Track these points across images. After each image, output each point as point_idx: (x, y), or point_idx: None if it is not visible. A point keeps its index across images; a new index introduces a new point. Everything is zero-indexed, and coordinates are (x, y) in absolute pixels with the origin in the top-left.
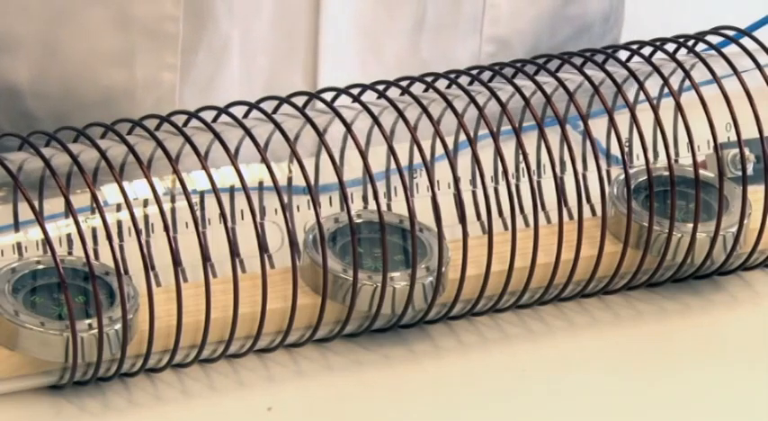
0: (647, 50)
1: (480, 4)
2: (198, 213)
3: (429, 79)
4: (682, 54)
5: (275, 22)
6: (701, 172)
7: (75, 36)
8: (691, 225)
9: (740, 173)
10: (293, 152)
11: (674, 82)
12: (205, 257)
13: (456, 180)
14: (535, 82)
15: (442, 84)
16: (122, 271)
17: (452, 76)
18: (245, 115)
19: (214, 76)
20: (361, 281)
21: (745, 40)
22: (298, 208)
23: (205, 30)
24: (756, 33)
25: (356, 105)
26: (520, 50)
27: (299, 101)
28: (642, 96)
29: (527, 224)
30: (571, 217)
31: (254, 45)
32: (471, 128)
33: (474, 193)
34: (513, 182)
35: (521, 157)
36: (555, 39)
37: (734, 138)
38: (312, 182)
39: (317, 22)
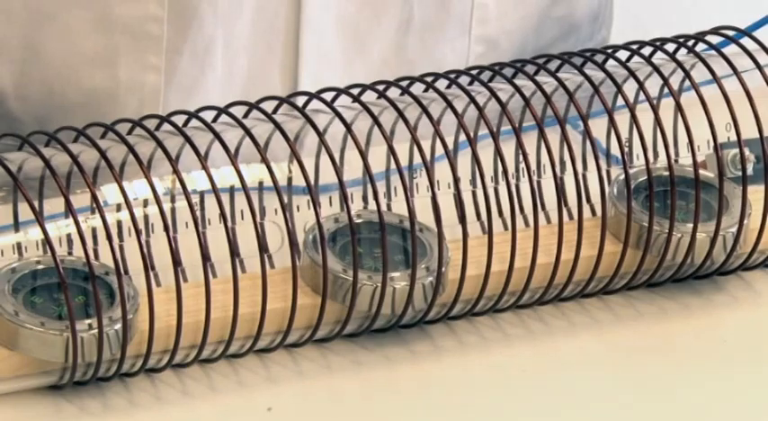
0: (647, 50)
1: (468, 5)
2: (198, 213)
3: (429, 79)
4: (682, 54)
5: (257, 22)
6: (701, 172)
7: (57, 38)
8: (691, 225)
9: (740, 173)
10: (293, 152)
11: (674, 82)
12: (205, 257)
13: (456, 180)
14: (535, 82)
15: (441, 84)
16: (122, 271)
17: (452, 75)
18: (246, 115)
19: (198, 78)
20: (361, 281)
21: (745, 40)
22: (298, 208)
23: (189, 30)
24: (756, 33)
25: (356, 105)
26: (508, 51)
27: (300, 101)
28: (642, 96)
29: (527, 224)
30: (571, 217)
31: (237, 46)
32: (471, 128)
33: (474, 193)
34: (513, 182)
35: (521, 157)
36: (543, 39)
37: (734, 138)
38: (312, 182)
39: (298, 22)
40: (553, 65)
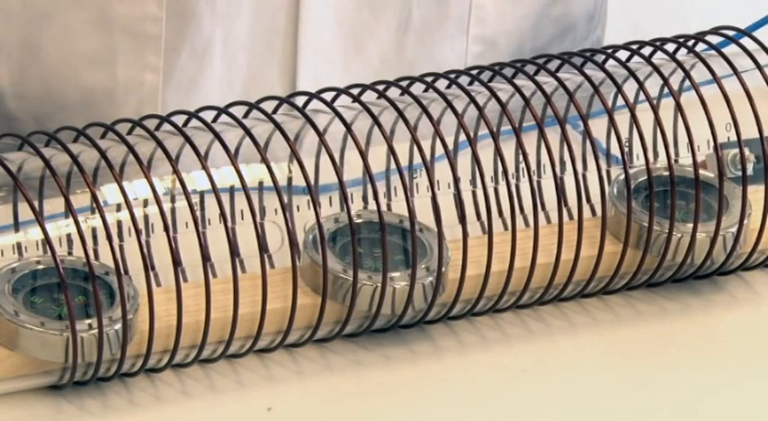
0: (647, 50)
1: (466, 5)
2: (198, 213)
3: (429, 79)
4: (682, 54)
5: (256, 22)
6: (701, 172)
7: (55, 37)
8: (691, 225)
9: (740, 173)
10: (293, 152)
11: (674, 82)
12: (205, 257)
13: (456, 180)
14: (535, 82)
15: (441, 84)
16: (122, 271)
17: (452, 76)
18: (245, 115)
19: (197, 77)
20: (361, 281)
21: (745, 40)
22: (298, 208)
23: (188, 30)
24: (756, 33)
25: (356, 105)
26: (506, 50)
27: (300, 101)
28: (642, 96)
29: (527, 224)
30: (571, 217)
31: (236, 45)
32: (471, 128)
33: (474, 193)
34: (513, 182)
35: (521, 157)
36: (540, 38)
37: (734, 138)
38: (312, 182)
39: (296, 21)
40: (553, 65)
